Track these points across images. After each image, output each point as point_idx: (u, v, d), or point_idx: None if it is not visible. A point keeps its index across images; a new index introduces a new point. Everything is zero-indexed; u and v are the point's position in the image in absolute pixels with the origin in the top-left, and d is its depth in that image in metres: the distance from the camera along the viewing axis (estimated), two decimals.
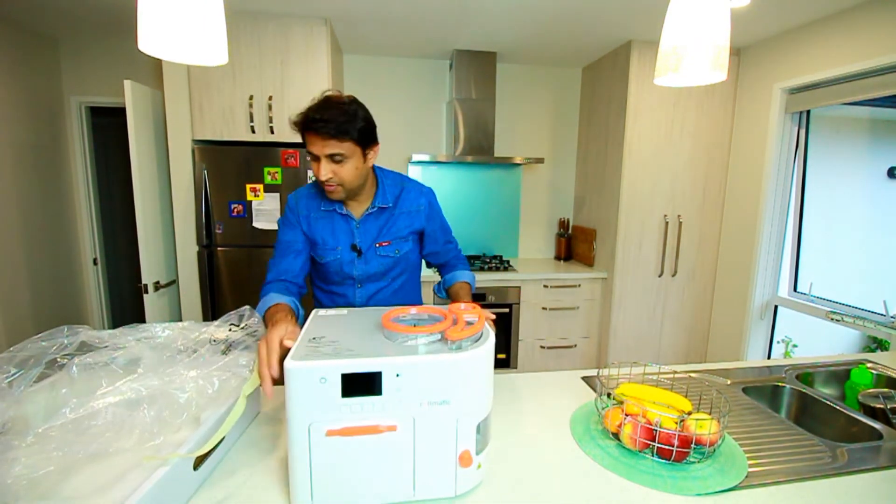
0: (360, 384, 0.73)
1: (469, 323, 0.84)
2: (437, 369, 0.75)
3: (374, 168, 1.32)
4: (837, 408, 1.21)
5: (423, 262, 1.50)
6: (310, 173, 2.48)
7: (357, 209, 1.30)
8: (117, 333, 0.92)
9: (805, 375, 1.43)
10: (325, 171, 1.14)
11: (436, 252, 1.45)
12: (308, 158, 1.19)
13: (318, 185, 1.28)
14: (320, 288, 1.40)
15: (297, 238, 1.30)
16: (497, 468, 0.91)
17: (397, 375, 0.74)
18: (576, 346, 3.11)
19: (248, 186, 2.46)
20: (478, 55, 3.02)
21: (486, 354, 0.80)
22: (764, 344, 2.80)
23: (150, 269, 2.43)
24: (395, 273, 1.36)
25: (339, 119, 1.10)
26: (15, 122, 2.61)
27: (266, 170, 2.45)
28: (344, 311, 1.02)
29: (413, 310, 0.95)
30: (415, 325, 0.85)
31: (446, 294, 1.45)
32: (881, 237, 3.11)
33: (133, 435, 0.78)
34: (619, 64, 2.87)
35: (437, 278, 1.54)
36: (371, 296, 1.36)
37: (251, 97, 2.44)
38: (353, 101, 1.17)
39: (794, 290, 2.66)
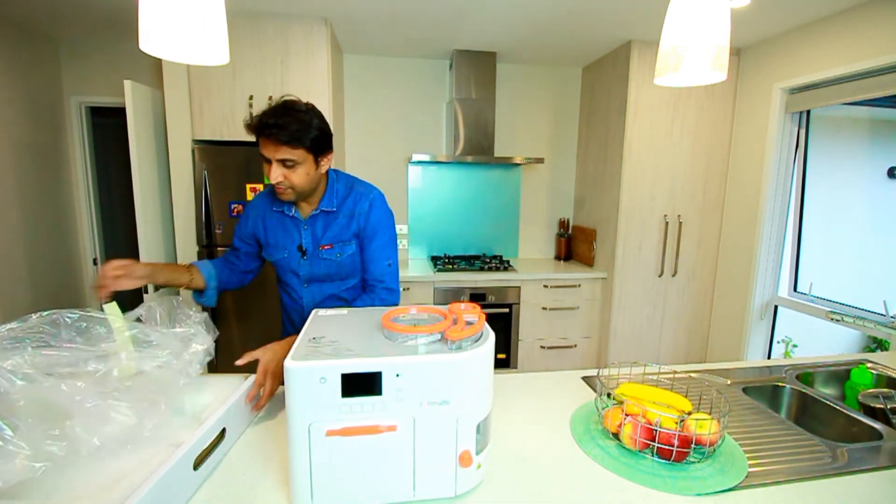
0: (360, 384, 0.73)
1: (469, 323, 0.84)
2: (437, 369, 0.75)
3: (328, 171, 1.33)
4: (837, 408, 1.21)
5: None
6: None
7: (306, 210, 1.33)
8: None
9: (805, 375, 1.43)
10: (276, 174, 1.17)
11: (366, 263, 1.36)
12: (261, 159, 1.20)
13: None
14: (280, 285, 1.45)
15: (246, 250, 1.41)
16: (497, 468, 0.91)
17: (397, 375, 0.74)
18: (576, 346, 3.11)
19: (249, 186, 2.46)
20: (478, 55, 3.02)
21: (486, 354, 0.80)
22: (764, 344, 2.80)
23: None
24: (342, 274, 1.36)
25: (293, 127, 1.12)
26: (15, 122, 2.61)
27: None
28: (344, 311, 1.02)
29: (413, 309, 0.95)
30: (415, 325, 0.85)
31: None
32: (881, 237, 3.11)
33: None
34: (619, 64, 2.87)
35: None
36: (320, 295, 1.37)
37: (251, 97, 2.44)
38: (310, 110, 1.18)
39: (794, 290, 2.66)
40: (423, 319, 0.92)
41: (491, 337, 0.84)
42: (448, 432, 0.77)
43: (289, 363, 0.72)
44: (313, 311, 1.02)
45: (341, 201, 1.32)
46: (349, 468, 0.75)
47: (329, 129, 1.23)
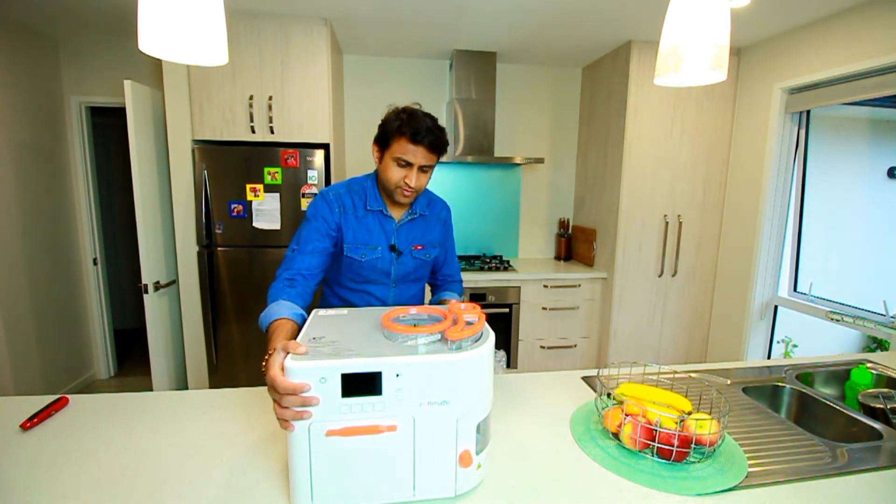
0: (360, 384, 0.73)
1: (469, 323, 0.84)
2: (437, 369, 0.75)
3: None
4: (837, 408, 1.21)
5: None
6: (310, 174, 2.48)
7: (396, 213, 1.36)
8: None
9: (805, 375, 1.43)
10: (414, 178, 1.23)
11: (440, 268, 1.52)
12: (391, 163, 1.23)
13: (363, 184, 1.34)
14: (349, 288, 1.37)
15: (328, 232, 1.27)
16: (497, 468, 0.91)
17: (397, 375, 0.73)
18: (576, 346, 3.11)
19: (249, 186, 2.46)
20: (478, 55, 3.02)
21: (486, 354, 0.80)
22: (764, 344, 2.79)
23: (150, 269, 2.43)
24: (424, 276, 1.46)
25: (443, 137, 1.24)
26: (15, 123, 2.61)
27: (266, 170, 2.45)
28: (344, 311, 1.02)
29: (413, 310, 0.95)
30: (415, 325, 0.85)
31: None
32: (881, 237, 3.11)
33: None
34: (619, 64, 2.87)
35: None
36: (404, 296, 1.42)
37: (251, 97, 2.44)
38: (436, 119, 1.28)
39: (794, 290, 2.66)
40: (423, 319, 0.92)
41: (491, 337, 0.84)
42: (448, 432, 0.77)
43: (289, 363, 0.72)
44: (313, 312, 1.01)
45: (428, 206, 1.42)
46: (349, 468, 0.75)
47: None
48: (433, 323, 0.88)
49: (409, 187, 1.24)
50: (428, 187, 1.40)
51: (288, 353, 0.75)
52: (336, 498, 0.76)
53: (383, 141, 1.25)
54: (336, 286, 1.40)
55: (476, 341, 0.82)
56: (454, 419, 0.77)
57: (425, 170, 1.25)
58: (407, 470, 0.78)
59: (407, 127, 1.20)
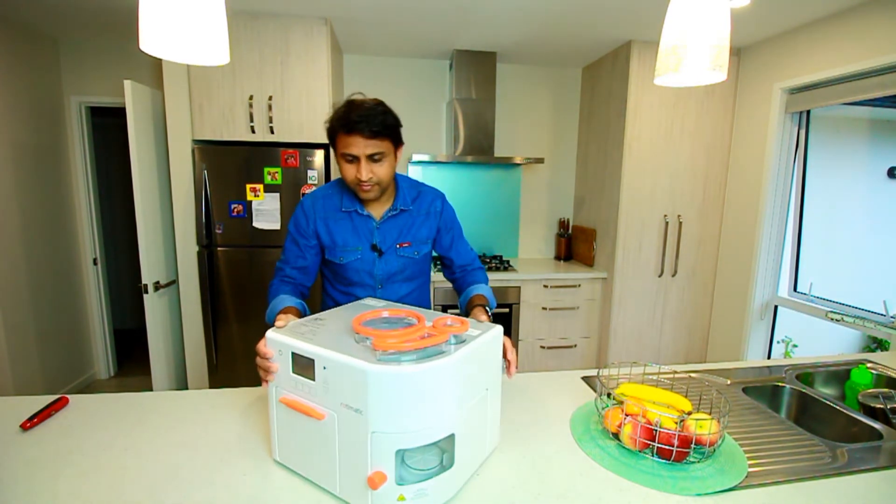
0: (304, 366, 0.80)
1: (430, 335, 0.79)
2: (350, 374, 0.73)
3: (395, 175, 1.34)
4: (837, 408, 1.21)
5: (442, 270, 1.51)
6: (310, 174, 2.48)
7: (377, 210, 1.31)
8: None
9: (805, 375, 1.43)
10: (366, 170, 1.16)
11: (450, 256, 1.42)
12: (341, 161, 1.19)
13: (338, 186, 1.31)
14: (338, 290, 1.38)
15: (309, 244, 1.30)
16: (497, 468, 0.91)
17: (324, 368, 0.77)
18: (576, 346, 3.11)
19: (249, 186, 2.46)
20: (478, 55, 3.02)
21: (416, 375, 0.71)
22: (764, 344, 2.79)
23: (150, 269, 2.43)
24: (415, 274, 1.38)
25: (379, 118, 1.14)
26: (15, 122, 2.60)
27: (266, 170, 2.45)
28: (372, 302, 1.06)
29: (385, 312, 0.95)
30: (387, 329, 0.84)
31: (465, 307, 1.33)
32: (881, 237, 3.11)
33: None
34: (619, 64, 2.86)
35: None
36: (394, 296, 1.35)
37: (251, 97, 2.44)
38: (382, 103, 1.19)
39: (794, 290, 2.66)
40: (391, 322, 0.91)
41: (444, 361, 0.73)
42: (361, 444, 0.73)
43: (268, 333, 0.86)
44: (367, 298, 1.08)
45: (414, 200, 1.34)
46: (297, 438, 0.84)
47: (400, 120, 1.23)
48: (395, 327, 0.85)
49: (364, 182, 1.17)
50: (420, 179, 1.38)
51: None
52: (289, 458, 0.87)
53: (331, 142, 1.20)
54: (329, 288, 1.41)
55: (424, 358, 0.74)
56: (367, 432, 0.72)
57: (377, 159, 1.16)
58: (333, 464, 0.79)
59: (339, 120, 1.14)
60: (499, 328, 0.92)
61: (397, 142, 1.21)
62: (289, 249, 1.32)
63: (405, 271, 1.34)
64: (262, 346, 0.87)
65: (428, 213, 1.35)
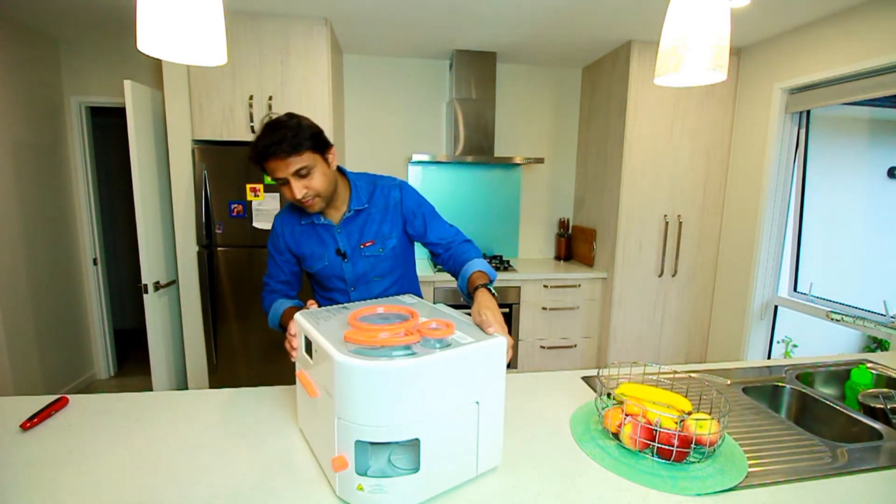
0: (308, 347, 0.90)
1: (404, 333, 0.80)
2: (327, 359, 0.78)
3: (346, 173, 1.33)
4: (837, 408, 1.21)
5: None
6: None
7: (335, 215, 1.31)
8: None
9: (805, 375, 1.43)
10: (298, 188, 1.16)
11: (429, 239, 1.35)
12: (279, 185, 1.19)
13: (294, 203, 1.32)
14: (321, 295, 1.43)
15: (284, 258, 1.37)
16: (496, 468, 0.91)
17: (316, 350, 0.85)
18: (576, 346, 3.11)
19: (248, 186, 2.45)
20: (478, 55, 3.02)
21: (368, 371, 0.72)
22: (764, 344, 2.79)
23: (150, 269, 2.43)
24: (386, 270, 1.36)
25: (289, 136, 1.12)
26: (15, 122, 2.60)
27: None
28: (408, 299, 1.11)
29: (380, 308, 0.98)
30: (381, 324, 0.85)
31: (469, 296, 1.19)
32: (881, 237, 3.10)
33: None
34: (619, 64, 2.86)
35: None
36: (369, 296, 1.36)
37: (251, 97, 2.44)
38: (293, 115, 1.18)
39: (794, 290, 2.66)
40: (386, 317, 0.94)
41: (405, 363, 0.73)
42: (331, 427, 0.78)
43: (297, 313, 0.98)
44: (407, 294, 1.16)
45: (370, 197, 1.32)
46: (306, 409, 0.96)
47: (318, 126, 1.22)
48: (387, 322, 0.86)
49: (302, 199, 1.18)
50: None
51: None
52: (305, 425, 1.00)
53: (262, 170, 1.21)
54: (315, 294, 1.47)
55: (390, 354, 0.75)
56: (334, 417, 0.77)
57: (304, 174, 1.15)
58: (322, 439, 0.86)
59: (254, 149, 1.16)
60: (499, 340, 0.85)
61: (321, 148, 1.19)
62: (270, 265, 1.39)
63: (375, 269, 1.34)
64: (291, 325, 1.00)
65: (387, 207, 1.33)
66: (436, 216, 1.37)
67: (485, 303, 1.01)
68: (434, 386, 0.76)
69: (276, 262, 1.37)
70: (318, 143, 1.18)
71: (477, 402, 0.83)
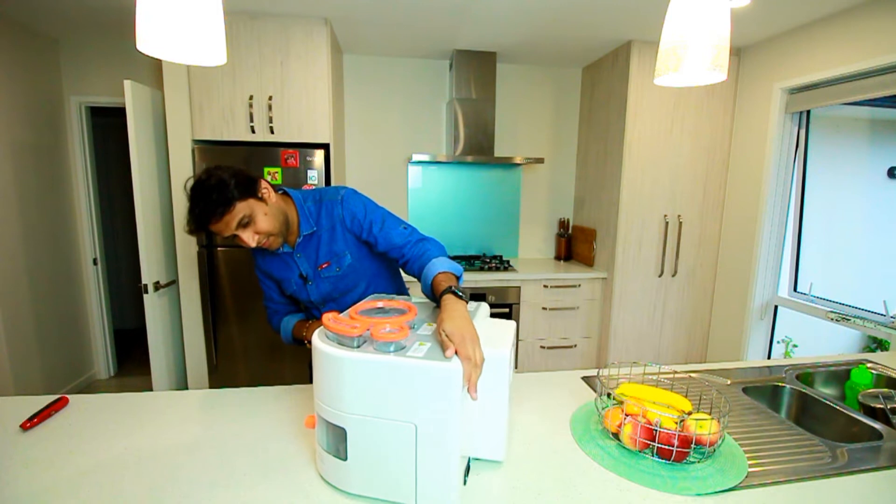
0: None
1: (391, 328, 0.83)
2: (316, 347, 0.83)
3: (293, 198, 1.29)
4: (837, 408, 1.21)
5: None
6: (310, 174, 2.48)
7: (292, 240, 1.30)
8: None
9: (805, 375, 1.43)
10: (248, 238, 1.15)
11: (385, 247, 1.27)
12: (234, 240, 1.18)
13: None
14: (307, 310, 1.48)
15: (269, 284, 1.42)
16: (496, 468, 0.91)
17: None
18: (576, 346, 3.11)
19: None
20: (478, 55, 3.02)
21: (316, 351, 0.82)
22: (764, 344, 2.79)
23: (150, 269, 2.43)
24: (348, 287, 1.34)
25: (213, 196, 1.09)
26: (15, 122, 2.60)
27: (266, 170, 2.45)
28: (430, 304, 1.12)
29: (380, 303, 1.01)
30: (381, 317, 0.93)
31: (434, 298, 1.08)
32: (881, 237, 3.10)
33: None
34: (619, 64, 2.86)
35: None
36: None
37: (251, 97, 2.44)
38: (211, 173, 1.13)
39: (794, 290, 2.66)
40: (385, 311, 0.98)
41: (338, 354, 0.78)
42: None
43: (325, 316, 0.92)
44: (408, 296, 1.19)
45: (317, 219, 1.29)
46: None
47: (238, 168, 1.17)
48: (386, 315, 0.94)
49: (258, 245, 1.19)
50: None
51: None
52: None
53: None
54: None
55: (355, 345, 0.80)
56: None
57: (245, 223, 1.13)
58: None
59: (190, 218, 1.11)
60: (448, 367, 0.75)
61: (248, 191, 1.14)
62: (263, 289, 1.44)
63: (337, 288, 1.34)
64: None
65: (333, 227, 1.29)
66: (385, 222, 1.28)
67: (448, 314, 0.88)
68: (358, 386, 0.78)
69: (267, 285, 1.42)
70: (245, 188, 1.13)
71: (415, 425, 0.76)
